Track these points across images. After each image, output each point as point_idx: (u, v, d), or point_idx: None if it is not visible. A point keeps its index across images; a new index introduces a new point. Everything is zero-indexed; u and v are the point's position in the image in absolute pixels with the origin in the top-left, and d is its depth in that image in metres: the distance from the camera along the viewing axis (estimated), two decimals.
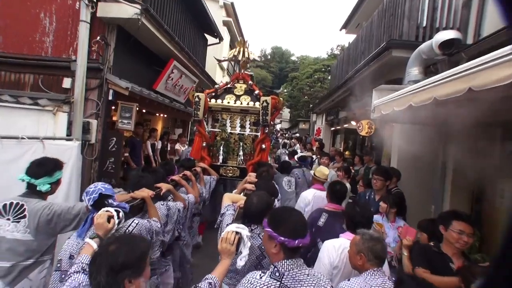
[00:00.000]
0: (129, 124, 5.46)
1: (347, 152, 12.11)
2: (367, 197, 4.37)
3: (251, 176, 3.50)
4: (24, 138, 3.15)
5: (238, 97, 4.95)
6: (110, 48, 5.02)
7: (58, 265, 1.87)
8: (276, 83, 49.17)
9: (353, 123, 9.63)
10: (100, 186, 2.04)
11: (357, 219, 2.48)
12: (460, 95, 2.19)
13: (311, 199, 3.91)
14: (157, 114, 8.90)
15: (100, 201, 1.97)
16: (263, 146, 4.77)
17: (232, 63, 17.87)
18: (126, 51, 5.66)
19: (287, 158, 8.88)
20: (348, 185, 5.71)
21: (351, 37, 13.77)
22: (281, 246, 1.65)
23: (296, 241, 1.61)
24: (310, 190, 4.14)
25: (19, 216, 2.15)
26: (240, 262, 1.83)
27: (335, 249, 2.37)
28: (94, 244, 1.65)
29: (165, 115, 9.21)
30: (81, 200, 2.28)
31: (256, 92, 5.02)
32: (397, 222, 3.70)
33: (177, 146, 8.93)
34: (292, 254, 1.65)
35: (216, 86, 5.56)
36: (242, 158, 4.88)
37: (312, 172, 4.70)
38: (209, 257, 3.98)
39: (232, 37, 15.78)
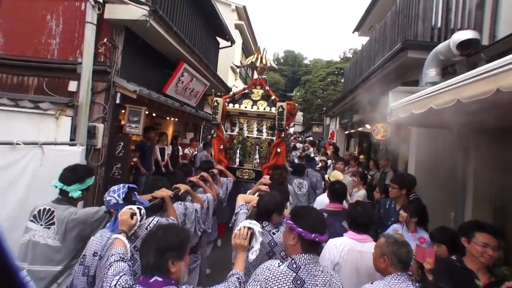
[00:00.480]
0: (137, 128, 5.38)
1: (361, 156, 11.77)
2: (387, 206, 4.13)
3: (266, 178, 3.65)
4: (19, 144, 3.07)
5: (255, 102, 5.12)
6: (118, 51, 4.96)
7: (82, 259, 1.97)
8: (289, 86, 48.99)
9: (368, 126, 9.34)
10: (125, 185, 2.23)
11: (359, 219, 2.51)
12: (487, 97, 1.97)
13: (321, 201, 4.00)
14: (168, 118, 8.84)
15: (129, 195, 2.16)
16: (279, 149, 4.90)
17: (245, 67, 17.80)
18: (134, 54, 5.59)
19: (296, 160, 8.90)
20: (363, 191, 5.48)
21: (364, 40, 13.49)
22: (298, 238, 1.76)
23: (313, 235, 1.72)
24: (325, 194, 4.07)
25: (49, 222, 2.24)
26: (252, 256, 1.94)
27: (336, 247, 2.41)
28: (123, 238, 1.80)
29: (176, 119, 9.15)
30: (101, 204, 2.37)
31: (273, 97, 5.17)
32: (419, 233, 3.45)
33: (186, 150, 8.84)
34: (309, 249, 1.76)
35: (234, 91, 5.73)
36: (258, 161, 5.00)
37: (326, 176, 4.82)
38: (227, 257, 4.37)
39: (244, 40, 15.71)
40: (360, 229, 2.48)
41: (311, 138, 23.51)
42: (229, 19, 13.54)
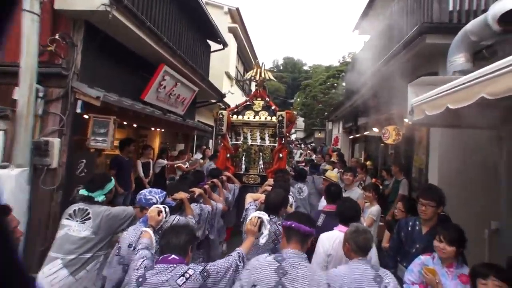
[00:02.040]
0: (105, 142, 4.52)
1: (368, 162, 10.86)
2: (409, 228, 3.18)
3: (270, 181, 4.08)
4: None
5: (256, 112, 5.54)
6: (77, 50, 4.12)
7: (117, 251, 2.32)
8: (289, 93, 48.78)
9: (376, 129, 8.44)
10: (160, 191, 2.65)
11: (347, 214, 2.78)
12: None
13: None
14: (153, 129, 7.98)
15: (164, 200, 2.58)
16: (281, 155, 5.29)
17: (241, 72, 17.06)
18: (100, 54, 4.77)
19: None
20: (377, 207, 4.57)
21: (365, 38, 12.71)
22: (285, 233, 2.09)
23: (289, 222, 2.05)
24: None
25: (85, 218, 2.57)
26: (262, 240, 2.30)
27: (328, 239, 2.67)
28: (150, 231, 2.17)
29: (162, 130, 8.29)
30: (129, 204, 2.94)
31: (273, 107, 5.59)
32: (458, 268, 2.54)
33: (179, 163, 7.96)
34: (291, 239, 2.03)
35: (237, 103, 6.30)
36: (262, 166, 5.44)
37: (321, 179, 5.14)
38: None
39: (239, 45, 14.94)
40: (348, 222, 2.57)
41: (313, 144, 22.61)
42: (222, 22, 12.79)
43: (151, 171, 7.04)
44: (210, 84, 9.03)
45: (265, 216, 2.35)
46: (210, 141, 13.92)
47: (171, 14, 6.75)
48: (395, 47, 4.87)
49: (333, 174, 4.94)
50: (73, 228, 2.54)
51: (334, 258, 2.57)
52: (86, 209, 2.61)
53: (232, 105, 12.75)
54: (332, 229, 2.85)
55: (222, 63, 13.16)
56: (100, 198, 2.73)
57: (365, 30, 12.25)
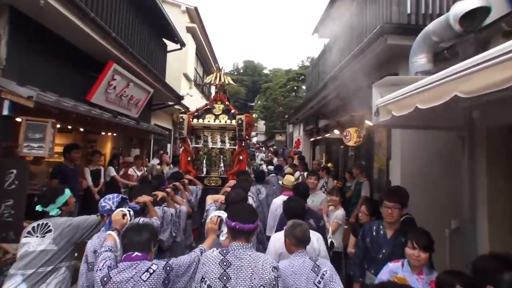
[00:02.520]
0: (41, 148, 3.93)
1: (329, 164, 10.93)
2: (373, 232, 3.03)
3: (230, 182, 4.21)
4: None
5: (217, 116, 5.63)
6: (1, 41, 3.52)
7: (85, 259, 2.40)
8: (250, 96, 48.80)
9: (337, 132, 8.46)
10: (120, 195, 2.70)
11: (294, 212, 2.90)
12: None
13: (279, 204, 4.17)
14: (103, 133, 7.32)
15: (121, 204, 2.58)
16: (241, 157, 5.44)
17: (200, 74, 16.58)
18: (36, 48, 4.21)
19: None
20: (341, 211, 4.45)
21: (324, 41, 12.88)
22: (229, 230, 2.13)
23: (233, 223, 2.06)
24: (280, 196, 4.48)
25: (45, 231, 2.55)
26: (222, 238, 2.45)
27: (279, 240, 2.72)
28: (114, 234, 2.19)
29: (114, 134, 7.65)
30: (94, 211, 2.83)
31: (232, 111, 5.69)
32: (428, 274, 2.42)
33: (131, 170, 7.33)
34: (236, 236, 2.06)
35: (197, 107, 6.21)
36: (223, 169, 5.54)
37: (280, 182, 5.15)
38: None
39: (198, 45, 14.46)
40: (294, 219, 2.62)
41: (274, 147, 22.62)
42: (180, 21, 12.28)
43: (101, 179, 6.42)
44: (167, 85, 8.54)
45: (224, 215, 2.44)
46: (169, 145, 13.29)
47: (122, 8, 6.23)
48: (355, 49, 4.79)
49: (290, 179, 4.78)
50: (32, 244, 2.52)
51: (284, 256, 2.65)
52: (47, 223, 2.60)
53: (191, 108, 12.38)
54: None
55: (180, 64, 12.63)
56: (54, 212, 2.67)
57: (324, 34, 12.38)
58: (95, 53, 5.45)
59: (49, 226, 2.56)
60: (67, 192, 2.79)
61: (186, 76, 13.07)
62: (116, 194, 2.67)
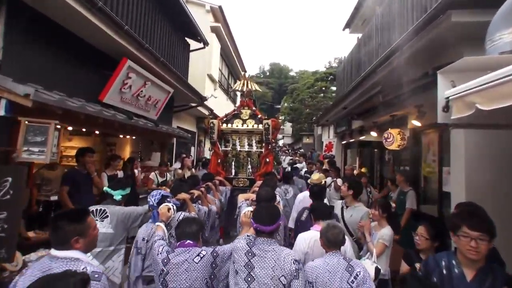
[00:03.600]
0: (42, 153, 3.49)
1: (363, 169, 10.04)
2: (443, 269, 2.19)
3: (258, 183, 4.49)
4: None
5: (244, 121, 5.91)
6: None
7: (135, 244, 2.88)
8: (276, 98, 48.60)
9: (373, 134, 7.61)
10: (161, 191, 3.11)
11: (320, 211, 3.11)
12: None
13: (302, 199, 4.55)
14: (122, 137, 6.93)
15: (162, 200, 2.97)
16: (267, 159, 5.67)
17: (225, 75, 16.16)
18: (38, 42, 3.78)
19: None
20: (388, 230, 3.62)
21: (354, 38, 11.99)
22: (254, 229, 2.37)
23: (255, 225, 2.31)
24: (304, 192, 4.84)
25: (103, 216, 2.95)
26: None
27: (305, 239, 2.91)
28: (162, 225, 2.65)
29: (133, 137, 7.24)
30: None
31: (259, 116, 5.94)
32: None
33: (152, 175, 6.89)
34: (260, 235, 2.30)
35: (227, 112, 6.51)
36: (250, 170, 5.83)
37: (309, 180, 5.59)
38: None
39: (223, 46, 14.02)
40: (322, 219, 2.89)
41: (302, 150, 21.78)
42: (204, 21, 11.88)
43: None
44: (189, 85, 8.05)
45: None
46: (192, 148, 12.89)
47: (140, 2, 5.79)
48: (405, 33, 4.00)
49: (319, 177, 5.34)
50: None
51: (310, 256, 2.79)
52: (104, 209, 2.98)
53: (216, 109, 11.95)
54: (312, 223, 3.18)
55: (204, 64, 12.22)
56: (118, 197, 3.16)
57: (356, 29, 11.55)
58: (108, 49, 5.02)
59: (106, 212, 2.96)
60: (129, 188, 3.34)
61: (211, 77, 12.63)
62: (158, 191, 3.08)
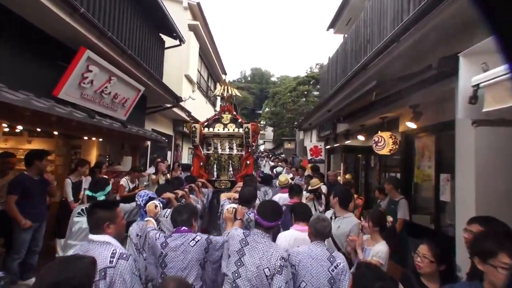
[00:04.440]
0: None
1: (347, 176, 9.65)
2: None
3: (239, 184, 4.82)
4: None
5: (225, 125, 6.03)
6: None
7: (129, 240, 2.99)
8: (257, 103, 48.55)
9: (361, 137, 7.20)
10: (148, 193, 3.28)
11: (301, 216, 3.13)
12: None
13: (277, 200, 4.80)
14: (86, 138, 6.18)
15: (149, 201, 3.11)
16: (248, 162, 5.84)
17: (204, 78, 15.54)
18: None
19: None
20: (383, 246, 3.11)
21: (339, 38, 11.70)
22: (255, 222, 2.60)
23: (256, 217, 2.50)
24: (278, 194, 5.56)
25: None
26: (252, 217, 2.93)
27: (285, 237, 3.04)
28: (152, 219, 2.88)
29: (100, 139, 6.51)
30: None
31: (239, 120, 6.08)
32: None
33: (123, 181, 6.19)
34: (258, 227, 2.48)
35: (209, 116, 6.60)
36: (231, 173, 5.99)
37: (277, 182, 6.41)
38: None
39: (201, 45, 13.38)
40: (301, 221, 3.06)
41: (283, 155, 21.35)
42: (182, 18, 11.23)
43: (82, 192, 5.27)
44: (163, 84, 7.40)
45: (237, 207, 3.09)
46: (169, 152, 12.14)
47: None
48: (404, 21, 3.54)
49: (282, 178, 6.11)
50: (83, 222, 3.13)
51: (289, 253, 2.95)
52: None
53: (195, 112, 11.33)
54: (289, 218, 3.35)
55: (182, 64, 11.56)
56: (101, 197, 3.31)
57: (341, 29, 11.25)
58: (64, 37, 4.34)
59: None
60: (110, 184, 3.59)
61: (188, 78, 11.96)
62: (145, 192, 3.26)
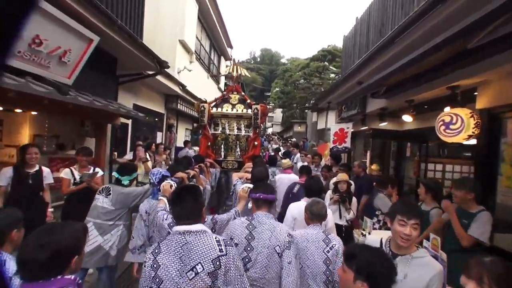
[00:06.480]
0: None
1: (373, 167, 7.75)
2: None
3: (248, 164, 4.67)
4: None
5: (233, 105, 6.11)
6: None
7: (140, 216, 3.06)
8: (267, 85, 47.56)
9: (407, 118, 5.25)
10: (161, 171, 3.26)
11: (313, 188, 3.44)
12: None
13: (279, 178, 5.50)
14: (14, 110, 4.37)
15: (162, 179, 3.12)
16: (255, 143, 5.92)
17: (205, 48, 13.54)
18: None
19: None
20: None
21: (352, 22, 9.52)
22: (254, 202, 2.52)
23: (257, 194, 2.48)
24: (281, 174, 5.78)
25: (108, 193, 3.35)
26: (250, 205, 2.72)
27: (295, 207, 3.33)
28: (165, 199, 2.79)
29: (33, 113, 4.68)
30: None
31: (248, 101, 6.16)
32: None
33: (65, 172, 4.24)
34: (259, 206, 2.47)
35: (216, 97, 6.43)
36: (239, 153, 6.09)
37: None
38: None
39: (202, 7, 11.25)
40: (313, 195, 3.10)
41: (294, 139, 19.44)
42: None
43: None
44: (137, 41, 5.46)
45: (252, 186, 2.94)
46: (159, 134, 10.32)
47: None
48: None
49: (287, 162, 6.14)
50: (100, 200, 3.32)
51: (298, 221, 3.18)
52: (109, 188, 3.40)
53: (193, 88, 9.51)
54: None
55: (176, 28, 9.58)
56: (126, 182, 3.51)
57: None
58: None
59: (110, 190, 3.37)
60: (137, 171, 3.90)
61: (184, 44, 9.98)
62: (158, 170, 3.25)
